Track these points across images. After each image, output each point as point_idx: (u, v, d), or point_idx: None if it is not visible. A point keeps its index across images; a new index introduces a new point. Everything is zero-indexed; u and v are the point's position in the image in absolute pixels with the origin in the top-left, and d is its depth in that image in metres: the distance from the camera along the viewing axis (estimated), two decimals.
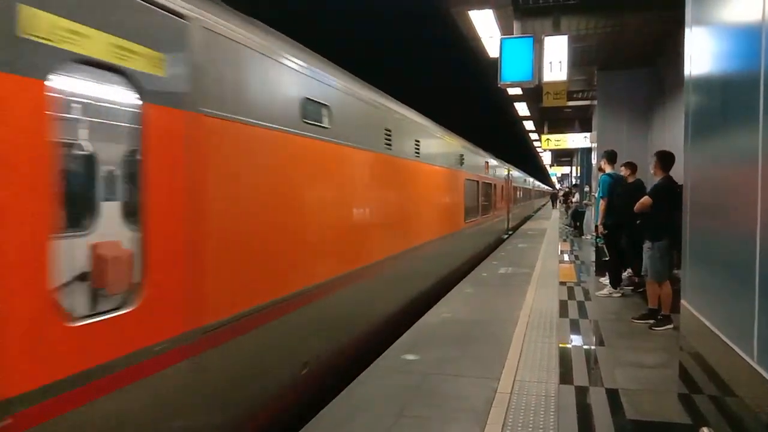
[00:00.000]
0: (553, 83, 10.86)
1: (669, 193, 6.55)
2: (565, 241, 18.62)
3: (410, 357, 5.74)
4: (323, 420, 4.23)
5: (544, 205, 58.75)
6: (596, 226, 9.18)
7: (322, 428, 4.09)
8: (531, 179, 41.81)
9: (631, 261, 9.11)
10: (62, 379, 2.40)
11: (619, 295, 8.81)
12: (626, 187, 8.51)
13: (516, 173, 27.00)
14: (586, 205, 19.46)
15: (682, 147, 4.44)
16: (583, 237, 19.00)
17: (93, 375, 2.54)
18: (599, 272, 10.53)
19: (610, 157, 8.96)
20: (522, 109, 20.04)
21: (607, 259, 9.07)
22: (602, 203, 8.62)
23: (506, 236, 20.49)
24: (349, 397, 4.70)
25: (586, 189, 20.99)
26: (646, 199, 6.87)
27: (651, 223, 6.82)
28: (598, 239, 9.43)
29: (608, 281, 9.07)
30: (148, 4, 2.89)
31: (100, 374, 2.58)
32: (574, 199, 27.02)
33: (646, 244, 6.87)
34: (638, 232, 7.36)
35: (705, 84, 3.86)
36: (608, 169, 8.82)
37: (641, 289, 9.16)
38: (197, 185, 3.23)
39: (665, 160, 6.85)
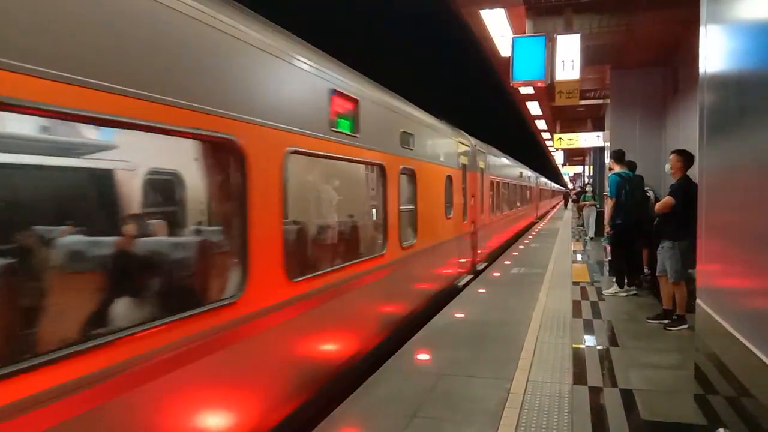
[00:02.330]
0: (566, 82, 10.83)
1: (688, 193, 6.49)
2: (577, 240, 18.49)
3: (423, 357, 5.73)
4: (337, 421, 4.24)
5: (555, 206, 53.64)
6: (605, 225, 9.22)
7: (335, 429, 4.10)
8: (533, 174, 30.57)
9: (635, 260, 9.12)
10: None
11: (625, 294, 8.77)
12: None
13: (498, 160, 16.09)
14: (587, 205, 19.21)
15: (697, 146, 4.41)
16: (586, 237, 18.76)
17: None
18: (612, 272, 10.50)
19: (618, 156, 8.93)
20: (534, 108, 19.96)
21: (609, 259, 9.07)
22: (610, 203, 8.58)
23: (464, 282, 10.28)
24: (362, 397, 4.71)
25: (588, 189, 20.65)
26: (668, 199, 6.81)
27: (671, 223, 6.77)
28: (605, 239, 9.44)
29: (615, 280, 9.10)
30: None
31: None
32: None
33: (666, 244, 6.82)
34: (656, 231, 7.31)
35: (720, 82, 3.82)
36: (617, 169, 8.78)
37: (644, 286, 9.18)
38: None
39: (686, 159, 6.78)
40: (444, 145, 9.43)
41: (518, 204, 21.40)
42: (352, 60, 6.40)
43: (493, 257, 14.02)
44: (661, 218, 7.05)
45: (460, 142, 10.74)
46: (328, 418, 4.28)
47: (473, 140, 12.25)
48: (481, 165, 12.73)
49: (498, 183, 15.63)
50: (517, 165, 21.90)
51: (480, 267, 12.11)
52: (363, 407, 4.48)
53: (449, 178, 9.49)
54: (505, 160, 17.87)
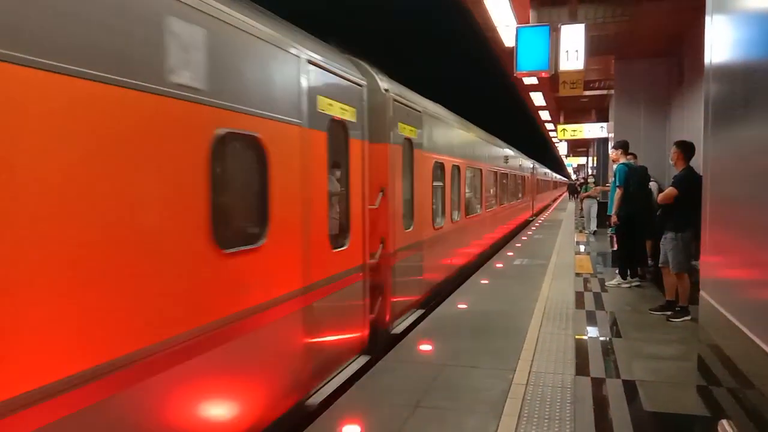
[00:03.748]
0: (570, 72, 10.78)
1: (691, 184, 6.47)
2: (581, 232, 18.46)
3: (426, 348, 5.75)
4: (339, 411, 4.26)
5: (557, 199, 49.77)
6: (609, 216, 9.18)
7: (339, 418, 4.12)
8: (528, 161, 24.06)
9: (638, 252, 9.13)
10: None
11: (628, 285, 8.77)
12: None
13: (455, 132, 10.11)
14: (586, 197, 18.12)
15: (701, 137, 4.38)
16: (584, 230, 18.08)
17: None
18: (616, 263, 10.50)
19: (624, 147, 8.93)
20: (538, 98, 19.89)
21: (614, 249, 9.03)
22: (618, 192, 8.56)
23: (342, 379, 5.02)
24: (365, 388, 4.72)
25: (591, 180, 20.02)
26: (671, 191, 6.80)
27: (673, 214, 6.76)
28: (611, 229, 9.39)
29: (618, 271, 9.11)
30: None
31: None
32: None
33: (668, 235, 6.81)
34: (659, 222, 7.32)
35: (726, 73, 3.80)
36: (623, 159, 8.78)
37: (648, 278, 9.19)
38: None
39: (687, 150, 6.78)
40: (239, 59, 3.70)
41: (502, 200, 15.67)
42: (360, 46, 6.39)
43: (448, 288, 8.98)
44: (664, 209, 7.05)
45: (321, 68, 4.70)
46: (331, 407, 4.30)
47: (385, 81, 6.45)
48: (410, 134, 7.13)
49: (457, 168, 9.96)
50: (501, 146, 15.90)
51: (405, 323, 6.83)
52: (366, 397, 4.50)
53: (258, 148, 3.85)
54: (473, 135, 11.74)
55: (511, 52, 9.34)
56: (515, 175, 18.72)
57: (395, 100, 6.55)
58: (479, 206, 12.32)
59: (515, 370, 5.04)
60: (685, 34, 11.21)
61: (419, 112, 7.56)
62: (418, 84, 8.79)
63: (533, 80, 15.75)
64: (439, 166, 8.73)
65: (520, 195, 20.21)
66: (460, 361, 5.33)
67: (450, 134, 9.64)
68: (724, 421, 3.11)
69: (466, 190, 10.96)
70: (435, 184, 8.42)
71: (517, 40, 8.97)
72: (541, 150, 61.92)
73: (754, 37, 3.23)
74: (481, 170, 12.30)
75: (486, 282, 9.41)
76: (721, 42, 3.88)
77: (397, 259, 6.60)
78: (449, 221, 9.36)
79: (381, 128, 6.23)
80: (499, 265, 11.20)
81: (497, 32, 10.88)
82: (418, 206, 7.46)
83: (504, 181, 16.07)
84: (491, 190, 13.95)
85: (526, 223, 21.83)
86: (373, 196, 6.01)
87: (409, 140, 7.12)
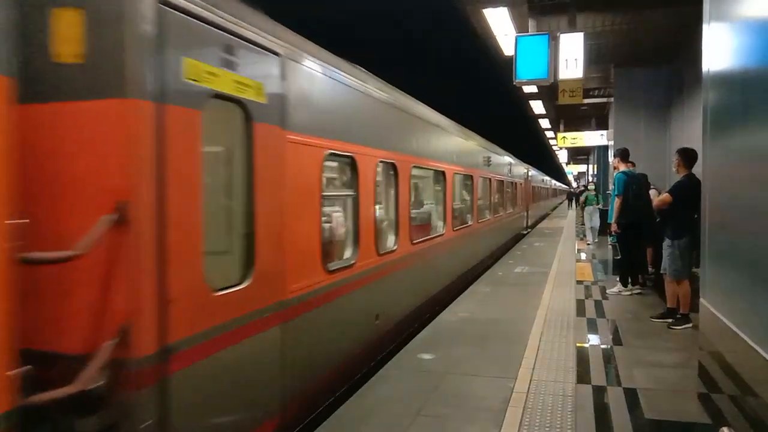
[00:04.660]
0: (569, 81, 10.81)
1: (691, 191, 6.48)
2: (581, 239, 18.42)
3: (427, 356, 5.74)
4: (341, 418, 4.25)
5: (556, 208, 46.72)
6: (610, 224, 9.19)
7: (340, 427, 4.11)
8: (521, 165, 20.52)
9: (639, 259, 9.14)
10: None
11: (629, 293, 8.76)
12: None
13: (371, 105, 5.88)
14: (584, 204, 17.62)
15: (701, 144, 4.40)
16: (584, 239, 17.58)
17: None
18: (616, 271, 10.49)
19: (624, 155, 8.94)
20: (537, 107, 19.95)
21: (618, 257, 9.02)
22: (617, 201, 8.56)
23: None
24: (366, 396, 4.71)
25: (591, 187, 19.55)
26: (666, 196, 6.82)
27: (671, 221, 6.77)
28: (611, 237, 9.39)
29: (619, 279, 9.10)
30: None
31: None
32: None
33: (666, 242, 6.82)
34: (657, 229, 7.34)
35: (724, 80, 3.82)
36: (622, 167, 8.79)
37: (648, 285, 9.18)
38: None
39: (688, 157, 6.80)
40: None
41: (483, 214, 12.58)
42: (360, 56, 6.38)
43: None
44: (662, 217, 7.08)
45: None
46: (333, 415, 4.30)
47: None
48: (237, 91, 3.39)
49: (392, 167, 6.57)
50: (481, 143, 12.50)
51: None
52: (367, 405, 4.49)
53: None
54: (429, 122, 8.27)
55: (510, 61, 9.37)
56: (503, 181, 15.52)
57: (171, 6, 2.90)
58: (442, 224, 8.91)
59: (516, 379, 5.03)
60: (684, 41, 11.26)
61: (276, 54, 3.87)
62: (417, 90, 8.77)
63: (533, 88, 15.80)
64: (347, 163, 5.37)
65: (510, 206, 16.83)
66: (461, 369, 5.32)
67: (378, 113, 6.17)
68: (725, 429, 3.11)
69: (418, 201, 8.30)
70: (331, 193, 5.15)
71: (516, 49, 9.00)
72: (541, 157, 62.04)
73: (751, 45, 3.25)
74: (444, 173, 8.89)
75: (487, 290, 9.40)
76: (719, 50, 3.90)
77: (177, 365, 2.86)
78: (372, 253, 5.74)
79: (110, 65, 2.68)
80: (500, 273, 11.20)
81: (496, 41, 10.94)
82: (269, 235, 3.77)
83: (487, 188, 12.99)
84: (465, 201, 11.06)
85: (518, 238, 18.70)
86: (70, 222, 2.68)
87: (240, 104, 3.48)
